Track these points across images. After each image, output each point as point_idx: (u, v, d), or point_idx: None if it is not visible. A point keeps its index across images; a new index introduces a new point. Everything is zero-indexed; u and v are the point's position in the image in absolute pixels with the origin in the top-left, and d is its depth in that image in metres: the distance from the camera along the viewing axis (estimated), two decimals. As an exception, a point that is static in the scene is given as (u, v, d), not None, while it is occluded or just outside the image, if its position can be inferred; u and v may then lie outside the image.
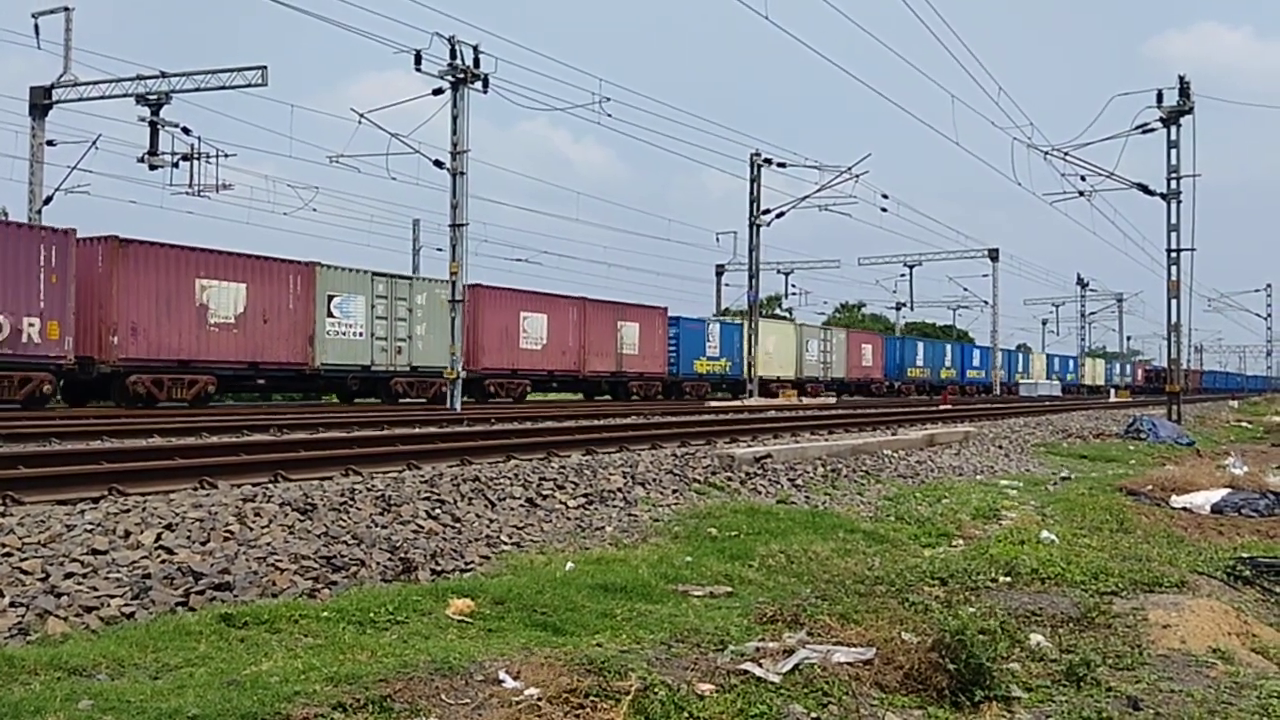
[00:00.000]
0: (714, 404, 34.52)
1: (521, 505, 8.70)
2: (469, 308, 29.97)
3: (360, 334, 27.39)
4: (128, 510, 6.84)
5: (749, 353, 38.75)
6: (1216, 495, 12.31)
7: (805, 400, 40.38)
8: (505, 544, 7.47)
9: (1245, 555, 8.68)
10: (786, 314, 66.69)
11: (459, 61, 25.03)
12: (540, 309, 33.59)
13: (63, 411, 20.56)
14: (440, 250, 39.77)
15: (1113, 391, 70.70)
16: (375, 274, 28.09)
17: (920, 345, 61.65)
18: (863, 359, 54.00)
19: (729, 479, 11.20)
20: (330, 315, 26.46)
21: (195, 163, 27.78)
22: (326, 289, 26.47)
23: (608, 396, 36.88)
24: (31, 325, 20.18)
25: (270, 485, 8.68)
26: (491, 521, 8.04)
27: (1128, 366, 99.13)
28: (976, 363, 65.54)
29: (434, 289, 29.21)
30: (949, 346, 65.79)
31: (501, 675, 4.07)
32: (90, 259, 21.73)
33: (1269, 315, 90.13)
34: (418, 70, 24.45)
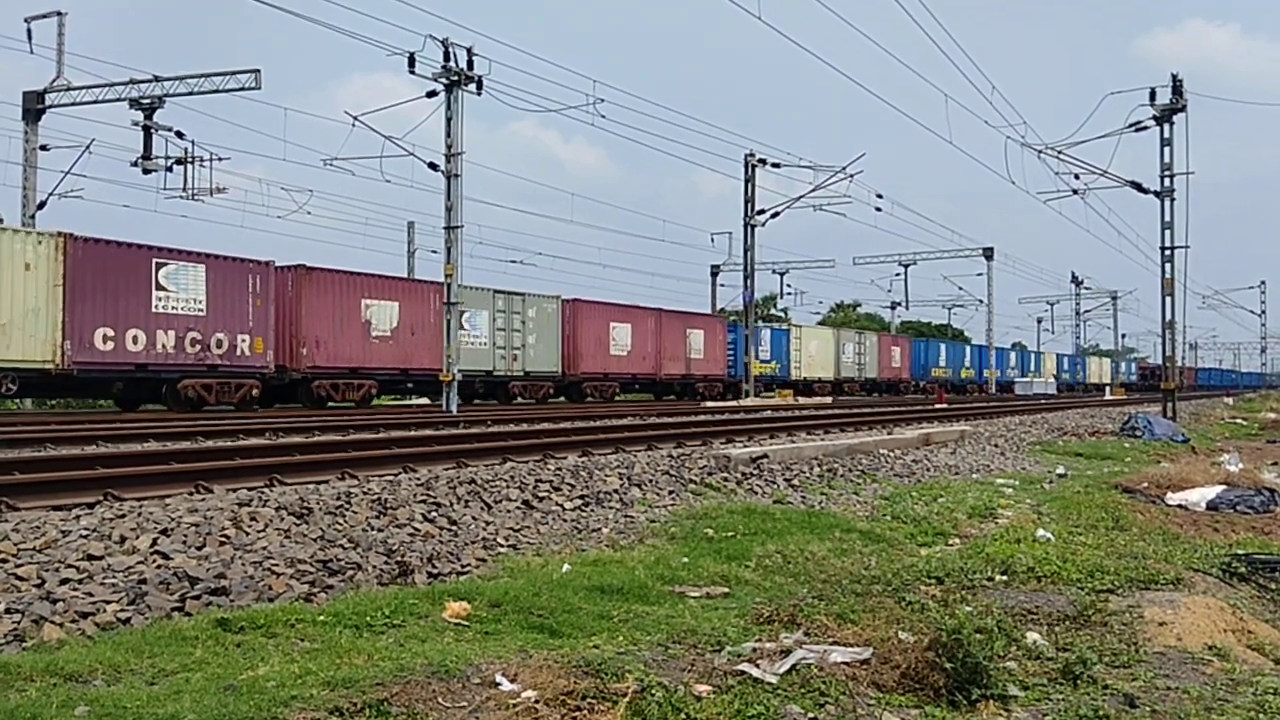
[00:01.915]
0: (710, 404, 34.60)
1: (518, 507, 8.70)
2: (569, 319, 34.71)
3: (485, 344, 31.15)
4: (123, 515, 6.82)
5: (746, 353, 38.99)
6: (1212, 492, 12.34)
7: (801, 400, 40.56)
8: (502, 546, 7.46)
9: (1241, 552, 8.70)
10: (782, 314, 66.77)
11: (453, 64, 25.01)
12: (625, 319, 37.57)
13: (59, 416, 20.56)
14: (435, 252, 39.85)
15: (1108, 389, 71.17)
16: (496, 291, 31.98)
17: (943, 347, 64.93)
18: (892, 360, 57.01)
19: (725, 479, 11.20)
20: (461, 328, 29.32)
21: (189, 166, 27.78)
22: (459, 306, 29.85)
23: (673, 396, 40.42)
24: (243, 340, 24.30)
25: (266, 489, 8.66)
26: (488, 524, 8.03)
27: (1131, 364, 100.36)
28: (993, 363, 68.46)
29: (542, 304, 33.40)
30: (968, 348, 68.80)
31: (498, 678, 4.07)
32: (283, 284, 25.63)
33: (1263, 312, 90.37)
34: (411, 73, 24.43)
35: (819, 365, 49.69)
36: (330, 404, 26.34)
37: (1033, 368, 76.03)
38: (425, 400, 31.64)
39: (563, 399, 34.68)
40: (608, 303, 37.63)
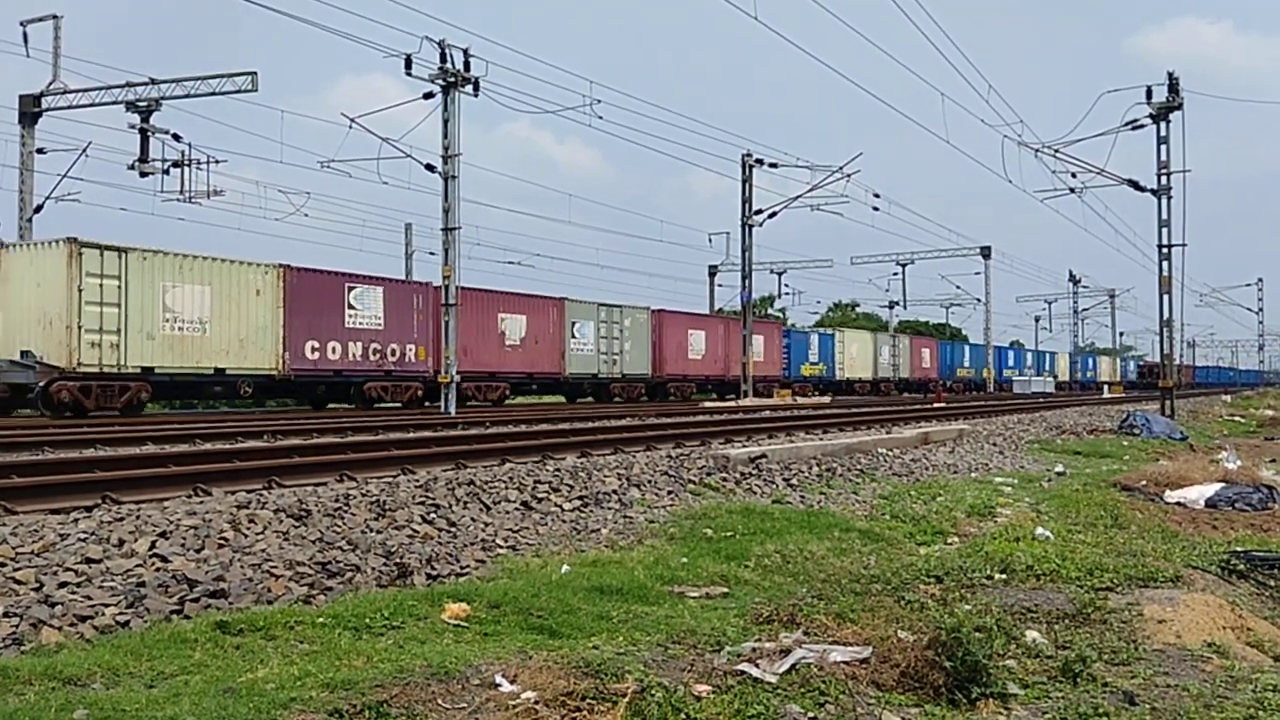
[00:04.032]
0: (709, 405, 34.64)
1: (516, 508, 8.69)
2: (656, 328, 39.41)
3: (591, 351, 35.98)
4: (121, 518, 6.82)
5: (744, 353, 39.05)
6: (1210, 490, 12.34)
7: (800, 400, 40.71)
8: (500, 547, 7.46)
9: (1239, 549, 8.71)
10: (780, 314, 66.79)
11: (449, 65, 25.01)
12: (700, 327, 42.66)
13: (56, 420, 20.53)
14: (433, 254, 39.82)
15: (1106, 387, 71.69)
16: (600, 304, 36.82)
17: (966, 349, 68.97)
18: (922, 361, 61.24)
19: (724, 479, 11.20)
20: (573, 337, 35.01)
21: (186, 169, 27.71)
22: (571, 317, 35.02)
23: (733, 396, 42.88)
24: (410, 349, 29.14)
25: (264, 492, 8.66)
26: (487, 525, 8.03)
27: (1140, 362, 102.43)
28: (1011, 362, 72.88)
29: (636, 314, 38.52)
30: (989, 350, 72.45)
31: (498, 679, 4.06)
32: (438, 301, 28.91)
33: (1260, 310, 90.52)
34: (408, 74, 24.44)
35: (859, 366, 53.95)
36: (472, 402, 31.08)
37: (1047, 367, 79.44)
38: (427, 403, 32.17)
39: (644, 398, 38.89)
40: (686, 312, 42.78)
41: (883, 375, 56.12)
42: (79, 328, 21.33)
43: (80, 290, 21.37)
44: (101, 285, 21.75)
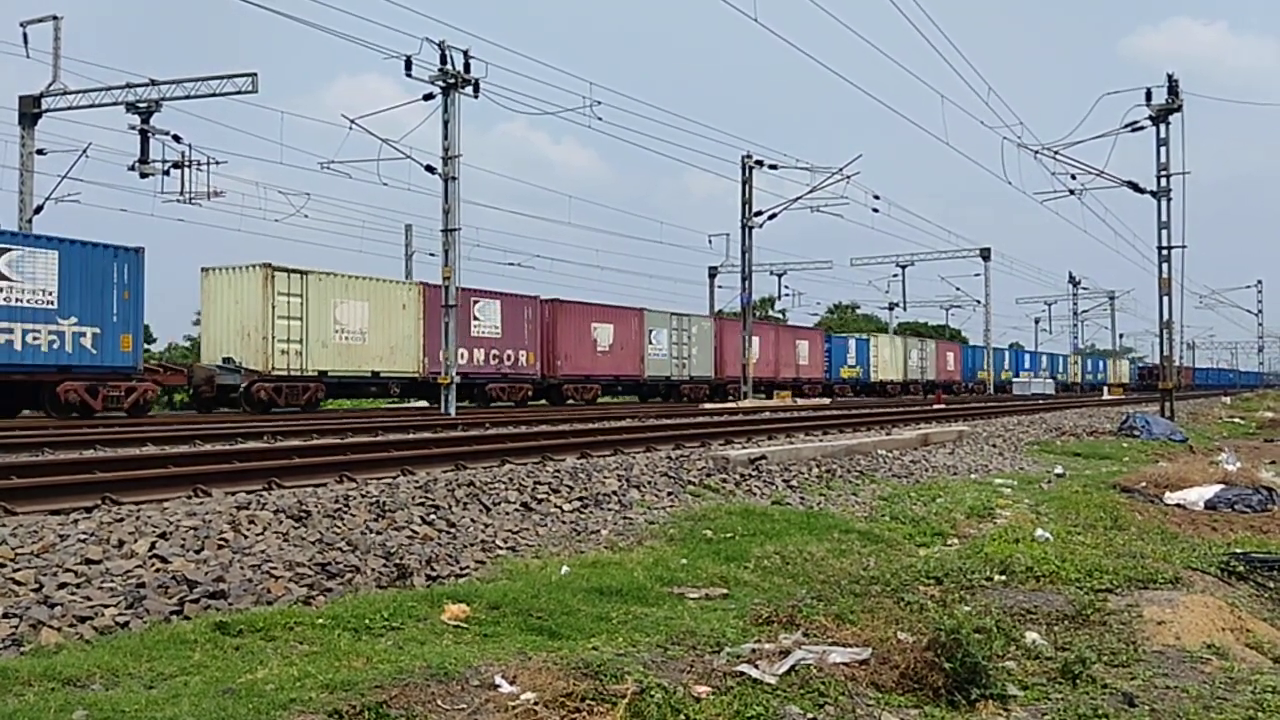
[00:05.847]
0: (709, 406, 34.72)
1: (516, 510, 8.69)
2: (717, 334, 43.38)
3: (665, 355, 40.19)
4: (121, 519, 6.81)
5: (744, 354, 39.09)
6: (1210, 491, 12.35)
7: (800, 401, 40.87)
8: (500, 549, 7.46)
9: (1239, 551, 8.72)
10: (780, 315, 66.77)
11: (450, 66, 25.02)
12: (755, 333, 43.71)
13: (56, 421, 20.54)
14: (433, 255, 39.86)
15: (1105, 389, 71.91)
16: (672, 313, 40.95)
17: (986, 353, 71.06)
18: (947, 364, 65.38)
19: (724, 481, 11.20)
20: (650, 343, 39.24)
21: (186, 170, 27.69)
22: (648, 326, 39.15)
23: (778, 393, 46.96)
24: (523, 355, 33.28)
25: (264, 493, 8.66)
26: (486, 526, 8.03)
27: (1138, 365, 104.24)
28: (1027, 365, 76.01)
29: (701, 322, 43.06)
30: (1007, 353, 76.11)
31: (497, 680, 4.07)
32: (542, 312, 34.10)
33: (1260, 311, 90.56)
34: (408, 76, 24.46)
35: (891, 369, 57.64)
36: (570, 401, 35.00)
37: (1061, 369, 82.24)
38: (424, 404, 32.29)
39: (707, 398, 41.81)
40: (739, 320, 44.61)
41: (912, 377, 59.43)
42: (273, 338, 25.32)
43: (273, 307, 25.39)
44: (289, 302, 25.81)
